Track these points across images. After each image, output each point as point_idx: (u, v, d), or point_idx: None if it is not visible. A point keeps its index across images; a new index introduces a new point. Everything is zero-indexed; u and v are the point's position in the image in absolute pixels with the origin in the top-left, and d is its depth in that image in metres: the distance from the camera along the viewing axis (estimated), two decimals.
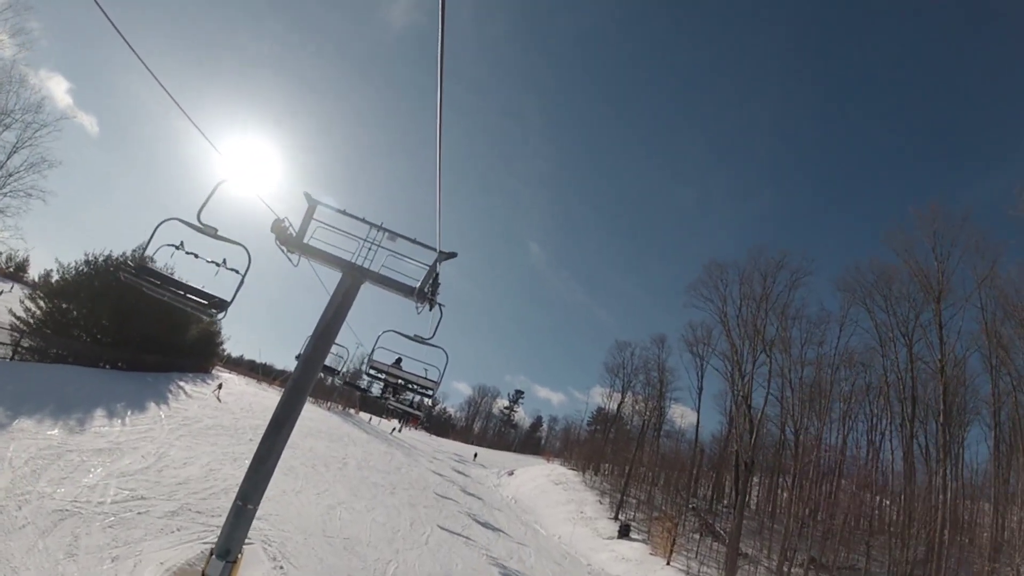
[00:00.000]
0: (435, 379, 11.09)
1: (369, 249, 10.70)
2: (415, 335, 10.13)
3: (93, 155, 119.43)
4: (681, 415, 58.30)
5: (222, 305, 6.19)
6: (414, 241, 10.80)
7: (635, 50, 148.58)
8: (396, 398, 13.90)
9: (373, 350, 11.27)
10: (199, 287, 6.24)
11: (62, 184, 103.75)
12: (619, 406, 60.62)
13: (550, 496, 45.65)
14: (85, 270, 32.41)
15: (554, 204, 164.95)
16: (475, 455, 57.12)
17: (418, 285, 10.08)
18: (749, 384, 35.44)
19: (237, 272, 6.18)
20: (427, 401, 11.81)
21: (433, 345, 10.11)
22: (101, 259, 33.01)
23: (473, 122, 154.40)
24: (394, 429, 49.82)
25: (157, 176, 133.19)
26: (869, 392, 38.59)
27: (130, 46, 4.93)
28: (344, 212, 10.93)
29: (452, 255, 10.75)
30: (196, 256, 6.09)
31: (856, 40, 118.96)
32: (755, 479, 37.67)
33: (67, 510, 12.13)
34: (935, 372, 34.51)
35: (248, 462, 9.63)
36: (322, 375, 11.99)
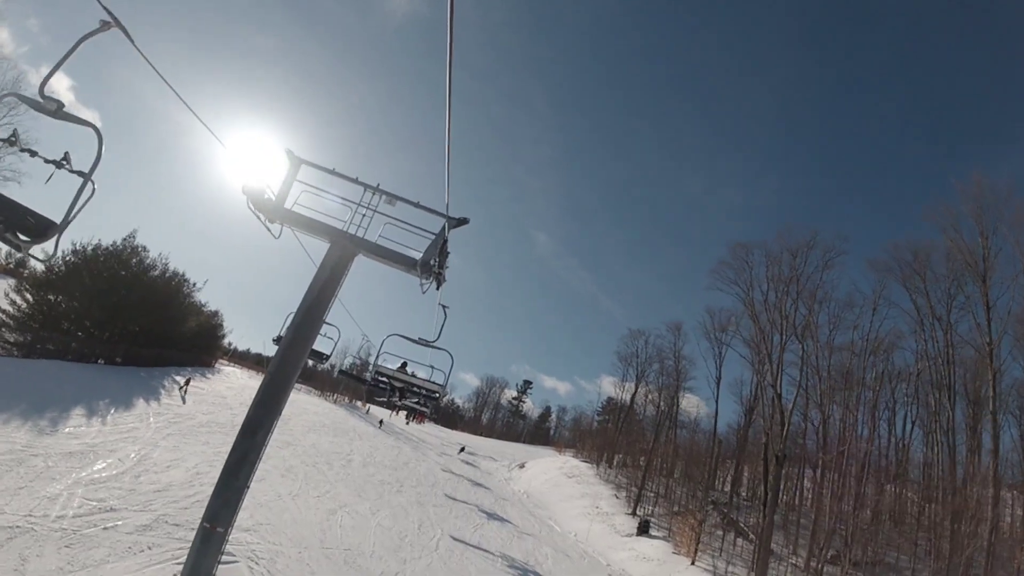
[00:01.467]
0: (440, 383, 10.79)
1: (363, 216, 8.88)
2: (419, 338, 9.53)
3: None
4: (697, 405, 56.13)
5: (45, 230, 3.84)
6: (417, 205, 8.94)
7: (640, 35, 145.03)
8: (402, 401, 13.05)
9: (378, 355, 10.83)
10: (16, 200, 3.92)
11: (64, 181, 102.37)
12: (632, 396, 58.65)
13: (563, 490, 43.92)
14: (73, 260, 30.76)
15: (560, 192, 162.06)
16: (462, 448, 51.00)
17: (422, 256, 8.27)
18: (779, 372, 33.34)
19: (82, 175, 3.96)
20: (438, 390, 10.67)
21: (438, 348, 9.51)
22: (89, 249, 31.40)
23: (477, 110, 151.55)
24: (381, 421, 47.03)
25: (162, 170, 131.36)
26: (892, 380, 36.63)
27: (130, 38, 4.36)
28: (334, 172, 9.08)
29: (463, 221, 8.88)
30: (33, 154, 3.97)
31: (871, 11, 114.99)
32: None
33: (18, 527, 10.41)
34: (972, 357, 32.57)
35: None
36: (309, 361, 10.35)
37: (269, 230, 8.96)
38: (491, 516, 28.91)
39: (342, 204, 8.94)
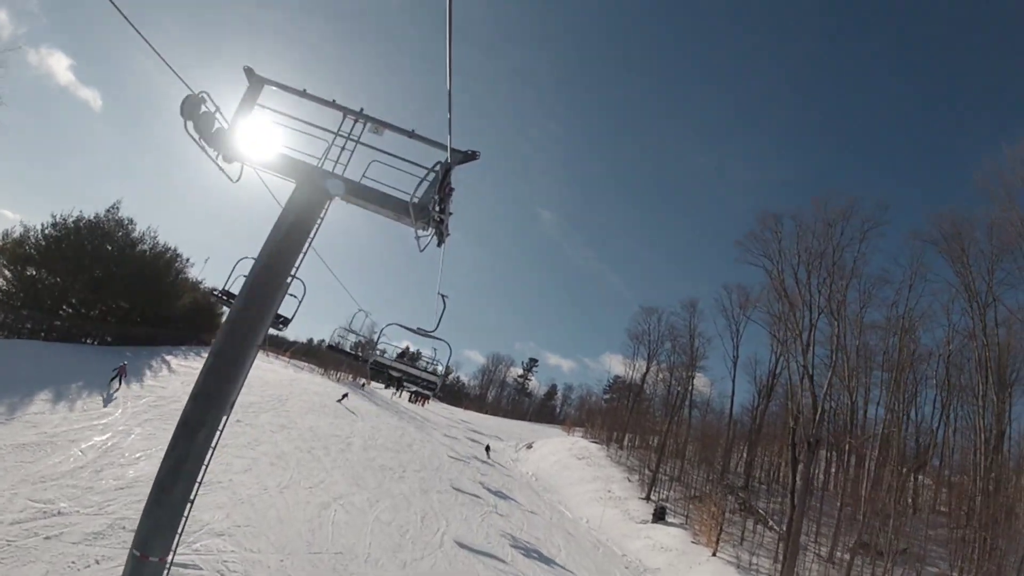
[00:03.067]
0: (439, 374, 10.67)
1: (342, 149, 6.86)
2: (418, 328, 9.36)
3: (98, 130, 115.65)
4: (708, 385, 54.21)
5: None
6: (412, 134, 6.84)
7: (650, 8, 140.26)
8: (400, 388, 12.62)
9: (376, 344, 11.03)
10: None
11: (67, 161, 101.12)
12: (644, 375, 56.78)
13: (573, 472, 42.34)
14: (53, 233, 28.81)
15: (566, 168, 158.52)
16: (487, 448, 43.67)
17: (419, 198, 6.21)
18: (809, 352, 31.24)
19: None
20: (436, 382, 9.48)
21: (436, 338, 9.40)
22: (71, 221, 29.45)
23: (482, 86, 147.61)
24: (345, 395, 38.83)
25: (165, 148, 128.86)
26: (916, 361, 34.54)
27: (126, 18, 4.39)
28: (304, 93, 7.01)
29: (472, 155, 6.83)
30: None
31: None
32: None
33: None
34: (1004, 337, 30.47)
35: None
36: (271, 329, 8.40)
37: (223, 170, 6.95)
38: (499, 502, 27.26)
39: (317, 139, 6.95)
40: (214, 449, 6.21)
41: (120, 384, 20.32)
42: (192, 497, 6.15)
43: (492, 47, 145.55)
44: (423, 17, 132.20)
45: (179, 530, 6.19)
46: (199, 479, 6.05)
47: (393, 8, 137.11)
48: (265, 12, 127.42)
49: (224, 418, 6.12)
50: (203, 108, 6.24)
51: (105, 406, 17.77)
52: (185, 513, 6.19)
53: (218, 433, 6.05)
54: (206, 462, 6.03)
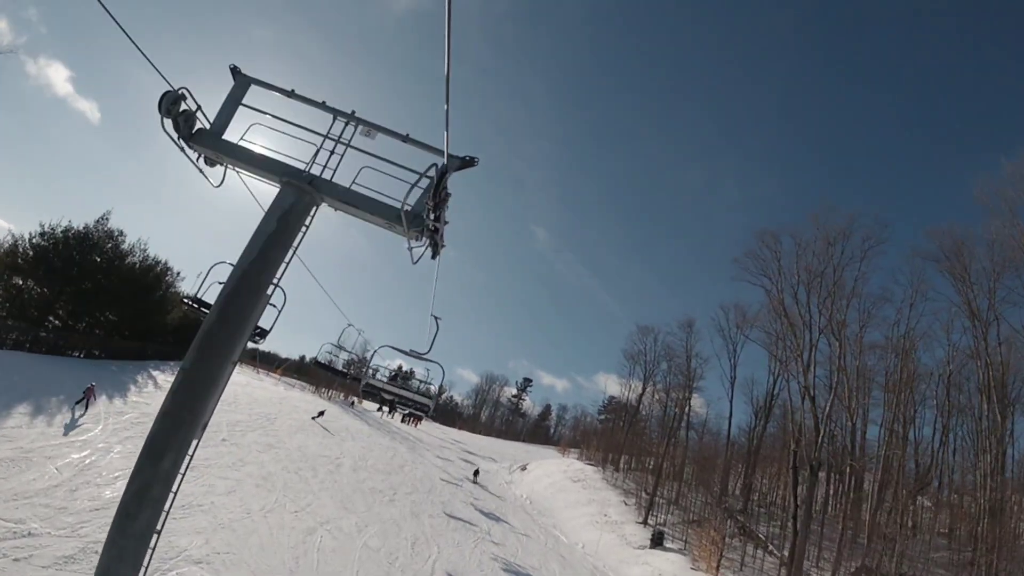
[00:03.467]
0: (431, 396, 10.70)
1: (331, 153, 6.48)
2: (411, 350, 9.35)
3: (95, 142, 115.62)
4: (704, 406, 53.64)
5: None
6: (406, 139, 6.48)
7: (640, 28, 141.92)
8: (393, 410, 12.37)
9: (368, 366, 11.02)
10: None
11: (63, 171, 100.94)
12: (640, 396, 56.07)
13: (568, 495, 41.47)
14: (40, 243, 28.31)
15: (559, 186, 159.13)
16: (476, 472, 40.59)
17: (410, 204, 5.81)
18: (812, 374, 30.82)
19: None
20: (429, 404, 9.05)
21: (429, 360, 9.44)
22: (59, 231, 28.98)
23: (477, 104, 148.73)
24: (321, 412, 37.16)
25: (162, 162, 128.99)
26: (916, 380, 34.18)
27: (111, 15, 4.15)
28: (292, 93, 6.66)
29: (470, 161, 6.45)
30: None
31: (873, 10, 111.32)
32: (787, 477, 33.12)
33: None
34: (1005, 356, 30.18)
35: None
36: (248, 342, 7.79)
37: (203, 172, 6.56)
38: (492, 527, 26.51)
39: (306, 143, 6.59)
40: (183, 475, 5.74)
41: (86, 408, 18.79)
42: (159, 527, 5.66)
43: (486, 65, 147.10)
44: (417, 22, 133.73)
45: (145, 563, 5.66)
46: (167, 507, 5.56)
47: (389, 16, 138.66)
48: (262, 27, 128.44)
49: (195, 441, 5.64)
50: (183, 106, 5.88)
51: (66, 434, 15.83)
52: (152, 544, 5.68)
53: (188, 457, 5.57)
54: (174, 489, 5.54)
